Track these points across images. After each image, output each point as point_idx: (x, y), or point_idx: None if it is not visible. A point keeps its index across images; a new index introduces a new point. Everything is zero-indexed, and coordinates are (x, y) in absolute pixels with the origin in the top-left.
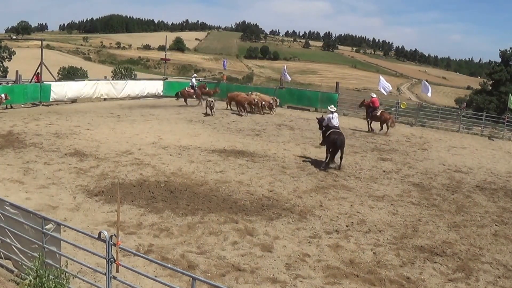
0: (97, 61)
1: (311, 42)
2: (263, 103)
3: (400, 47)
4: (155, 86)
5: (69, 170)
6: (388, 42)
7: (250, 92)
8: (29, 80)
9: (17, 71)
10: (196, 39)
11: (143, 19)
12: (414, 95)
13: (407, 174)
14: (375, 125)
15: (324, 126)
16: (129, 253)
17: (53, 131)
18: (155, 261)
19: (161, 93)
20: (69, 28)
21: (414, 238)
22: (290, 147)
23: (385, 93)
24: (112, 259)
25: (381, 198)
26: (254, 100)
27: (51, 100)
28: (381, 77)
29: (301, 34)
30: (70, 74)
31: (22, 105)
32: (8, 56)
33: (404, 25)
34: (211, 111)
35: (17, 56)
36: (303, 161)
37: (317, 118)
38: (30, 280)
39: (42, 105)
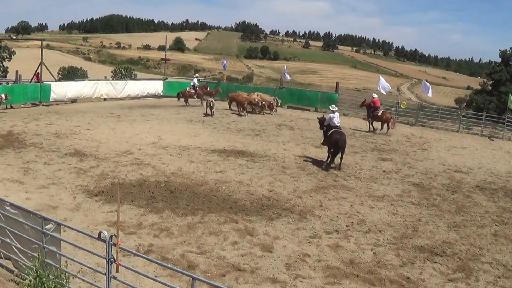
0: (97, 61)
1: (311, 42)
2: (263, 103)
3: (400, 47)
4: (155, 86)
5: (69, 170)
6: (388, 42)
7: (252, 93)
8: (29, 80)
9: (17, 71)
10: (196, 39)
11: (143, 19)
12: (414, 95)
13: (407, 174)
14: (376, 124)
15: (326, 125)
16: (129, 253)
17: (53, 131)
18: (155, 261)
19: (161, 93)
20: (69, 28)
21: (414, 238)
22: (290, 147)
23: (384, 93)
24: (112, 259)
25: (381, 198)
26: (255, 100)
27: (51, 100)
28: (380, 77)
29: (301, 34)
30: (70, 74)
31: (22, 105)
32: (8, 56)
33: (404, 25)
34: (211, 111)
35: (17, 56)
36: (303, 161)
37: (318, 118)
38: (30, 280)
39: (42, 105)
